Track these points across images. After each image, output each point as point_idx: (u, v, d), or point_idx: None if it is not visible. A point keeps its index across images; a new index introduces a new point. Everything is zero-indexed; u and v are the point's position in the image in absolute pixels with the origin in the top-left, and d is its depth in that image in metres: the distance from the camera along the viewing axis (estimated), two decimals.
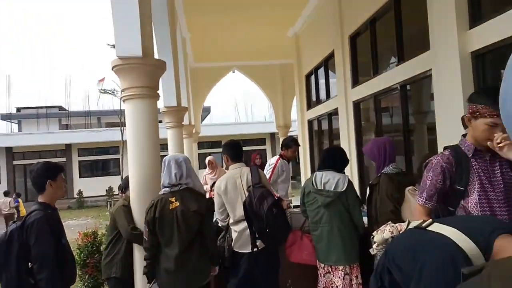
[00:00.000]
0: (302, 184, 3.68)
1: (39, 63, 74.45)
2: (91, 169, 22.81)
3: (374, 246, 1.84)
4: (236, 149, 3.71)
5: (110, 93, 16.23)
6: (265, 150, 24.01)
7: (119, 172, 19.84)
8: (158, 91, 3.89)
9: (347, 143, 6.92)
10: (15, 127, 28.69)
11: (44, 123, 26.56)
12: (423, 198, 2.06)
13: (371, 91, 6.12)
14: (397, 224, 1.84)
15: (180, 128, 6.83)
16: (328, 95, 8.30)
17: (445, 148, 2.12)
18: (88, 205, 20.29)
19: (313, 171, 9.48)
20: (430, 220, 1.48)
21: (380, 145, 3.32)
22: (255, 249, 3.32)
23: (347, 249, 3.37)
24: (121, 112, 17.68)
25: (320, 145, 9.04)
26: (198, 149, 15.03)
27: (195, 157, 12.28)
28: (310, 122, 9.51)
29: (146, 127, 3.68)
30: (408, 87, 5.25)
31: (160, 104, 6.81)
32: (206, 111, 25.43)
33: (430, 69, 4.49)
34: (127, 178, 3.90)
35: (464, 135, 2.07)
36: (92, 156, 22.56)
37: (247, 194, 3.39)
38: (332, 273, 3.41)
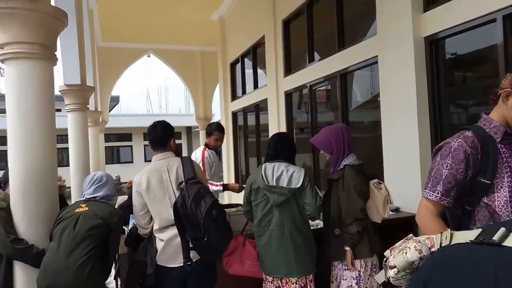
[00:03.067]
0: (248, 178, 2.97)
1: None
2: None
3: (392, 273, 1.14)
4: (160, 132, 2.88)
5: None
6: (180, 144, 22.69)
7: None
8: (55, 53, 2.89)
9: None
10: None
11: None
12: (437, 193, 1.53)
13: (305, 80, 5.71)
14: (423, 238, 1.17)
15: (84, 113, 5.64)
16: (256, 85, 7.75)
17: (462, 129, 1.61)
18: None
19: (237, 168, 8.86)
20: (503, 229, 0.89)
21: (336, 133, 2.84)
22: (188, 263, 2.58)
23: (301, 257, 2.79)
24: None
25: (246, 140, 8.45)
26: (105, 142, 13.38)
27: (102, 149, 10.79)
28: (234, 115, 8.89)
29: (38, 98, 2.69)
30: (349, 75, 4.92)
31: (57, 80, 5.56)
32: (115, 100, 23.19)
33: (376, 56, 4.18)
34: (7, 172, 2.85)
35: (486, 113, 1.59)
36: None
37: (177, 192, 2.66)
38: None
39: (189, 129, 22.41)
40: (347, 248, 2.65)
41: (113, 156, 20.99)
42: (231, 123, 8.94)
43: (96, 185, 2.79)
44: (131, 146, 21.72)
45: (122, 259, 2.94)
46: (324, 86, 5.61)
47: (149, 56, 11.67)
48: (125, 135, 21.42)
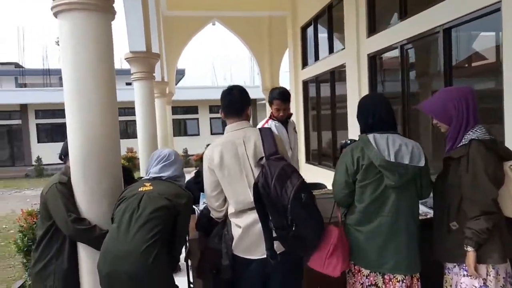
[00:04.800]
0: (345, 153, 2.33)
1: None
2: (50, 134, 20.37)
3: None
4: (237, 97, 2.39)
5: None
6: None
7: None
8: (113, 5, 2.48)
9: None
10: None
11: None
12: None
13: (395, 39, 4.83)
14: None
15: (150, 81, 5.36)
16: (331, 50, 6.96)
17: None
18: (48, 173, 18.40)
19: (307, 144, 8.23)
20: None
21: (458, 98, 2.16)
22: (273, 256, 2.11)
23: (413, 252, 2.22)
24: None
25: (318, 112, 7.74)
26: (172, 114, 13.44)
27: (169, 122, 10.76)
28: (305, 84, 8.18)
29: (95, 56, 2.33)
30: (456, 31, 3.99)
31: (123, 49, 5.30)
32: (180, 73, 23.46)
33: (499, 1, 3.24)
34: (67, 143, 2.56)
35: None
36: (52, 118, 20.16)
37: (256, 170, 2.19)
38: (383, 287, 2.21)
39: (253, 102, 22.04)
40: (469, 249, 2.01)
41: (180, 129, 21.39)
42: (302, 93, 8.26)
43: (163, 164, 2.42)
44: (197, 118, 21.95)
45: (192, 244, 2.54)
46: (419, 45, 4.69)
47: (213, 24, 11.22)
48: (191, 108, 21.59)
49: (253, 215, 2.17)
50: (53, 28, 47.13)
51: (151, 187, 2.30)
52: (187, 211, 2.38)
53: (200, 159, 2.66)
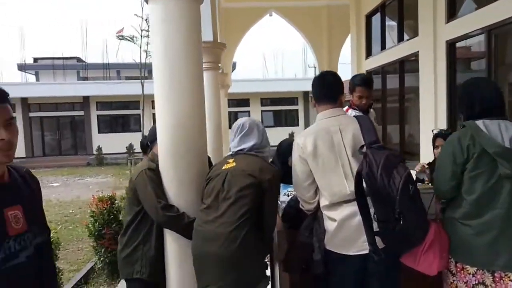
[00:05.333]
0: (451, 140, 2.13)
1: (51, 9, 71.81)
2: (110, 125, 21.48)
3: None
4: (331, 82, 2.25)
5: (129, 40, 14.68)
6: (296, 110, 22.22)
7: (139, 129, 18.69)
8: None
9: (433, 100, 5.28)
10: (32, 78, 27.68)
11: (62, 75, 25.42)
12: None
13: (483, 23, 4.40)
14: None
15: (216, 72, 5.33)
16: (400, 38, 6.56)
17: None
18: (107, 162, 19.40)
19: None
20: None
21: None
22: (376, 252, 1.97)
23: None
24: (141, 65, 16.24)
25: (384, 105, 7.36)
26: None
27: (226, 115, 10.80)
28: (369, 74, 7.82)
29: (185, 41, 2.29)
30: None
31: None
32: (232, 66, 23.65)
33: None
34: (154, 129, 2.51)
35: None
36: (111, 110, 21.17)
37: (352, 160, 2.08)
38: (492, 286, 1.99)
39: (306, 94, 21.68)
40: None
41: (232, 122, 21.59)
42: None
43: (240, 135, 2.27)
44: (248, 111, 22.01)
45: (279, 237, 2.44)
46: (510, 30, 4.25)
47: (271, 16, 11.06)
48: (243, 101, 21.66)
49: (350, 208, 2.05)
50: (112, 22, 49.55)
51: (234, 164, 2.18)
52: (274, 188, 2.21)
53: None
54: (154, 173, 2.39)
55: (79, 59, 28.94)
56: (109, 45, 52.38)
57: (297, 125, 21.91)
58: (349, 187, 2.05)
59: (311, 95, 2.36)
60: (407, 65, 6.43)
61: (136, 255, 2.44)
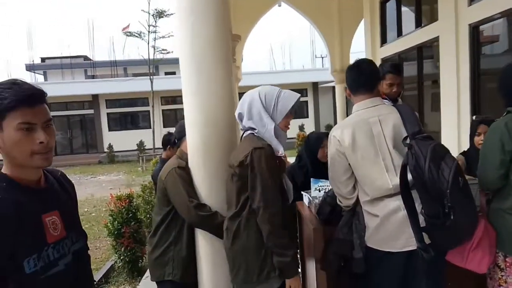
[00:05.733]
0: (496, 127, 2.03)
1: (58, 7, 71.83)
2: (120, 122, 21.44)
3: None
4: (368, 70, 2.12)
5: (137, 36, 14.63)
6: (306, 102, 21.94)
7: (149, 126, 18.69)
8: None
9: (455, 87, 5.11)
10: (41, 78, 27.84)
11: (70, 74, 25.48)
12: None
13: (506, 5, 4.23)
14: None
15: (233, 65, 5.20)
16: (418, 23, 6.37)
17: None
18: (119, 160, 19.46)
19: None
20: None
21: None
22: (425, 249, 1.86)
23: None
24: (149, 62, 16.17)
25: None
26: None
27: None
28: (385, 62, 7.64)
29: (215, 32, 2.21)
30: None
31: None
32: None
33: None
34: (182, 125, 2.42)
35: None
36: (120, 108, 21.12)
37: (394, 152, 1.96)
38: None
39: (315, 85, 21.39)
40: None
41: None
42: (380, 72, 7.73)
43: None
44: None
45: (316, 234, 2.35)
46: None
47: (279, 5, 10.88)
48: None
49: (393, 203, 1.94)
50: (118, 20, 49.55)
51: None
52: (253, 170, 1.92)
53: (302, 139, 2.39)
54: (184, 171, 2.31)
55: (86, 58, 29.00)
56: (115, 42, 52.53)
57: (307, 116, 21.62)
58: (391, 180, 1.94)
59: (345, 86, 2.25)
60: (426, 51, 6.24)
61: (167, 256, 2.36)
